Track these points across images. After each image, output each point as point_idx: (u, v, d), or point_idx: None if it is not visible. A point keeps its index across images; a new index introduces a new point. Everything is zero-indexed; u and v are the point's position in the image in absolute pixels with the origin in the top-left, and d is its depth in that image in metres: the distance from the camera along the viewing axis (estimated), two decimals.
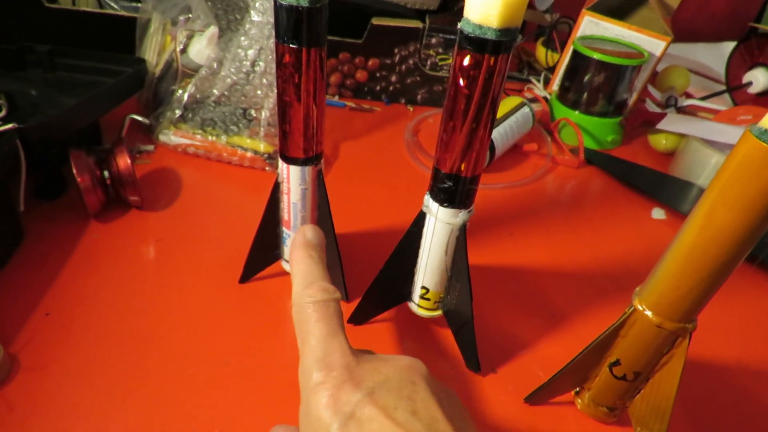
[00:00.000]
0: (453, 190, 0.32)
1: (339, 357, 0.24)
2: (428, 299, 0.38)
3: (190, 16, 0.58)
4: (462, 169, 0.31)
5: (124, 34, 0.63)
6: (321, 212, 0.39)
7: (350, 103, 0.74)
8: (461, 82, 0.28)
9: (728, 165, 0.23)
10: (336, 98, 0.75)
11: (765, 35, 0.81)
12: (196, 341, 0.38)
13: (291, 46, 0.30)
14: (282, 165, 0.36)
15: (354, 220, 0.51)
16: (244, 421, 0.33)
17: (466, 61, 0.27)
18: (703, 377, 0.40)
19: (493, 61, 0.27)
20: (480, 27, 0.26)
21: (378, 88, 0.75)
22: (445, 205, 0.32)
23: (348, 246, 0.48)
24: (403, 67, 0.73)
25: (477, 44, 0.26)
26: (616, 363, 0.31)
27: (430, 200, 0.33)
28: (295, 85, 0.32)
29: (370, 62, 0.73)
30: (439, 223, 0.33)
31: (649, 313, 0.28)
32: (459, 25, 0.27)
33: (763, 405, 0.38)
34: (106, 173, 0.47)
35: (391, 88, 0.75)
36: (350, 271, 0.43)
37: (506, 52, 0.27)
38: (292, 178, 0.36)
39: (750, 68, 0.84)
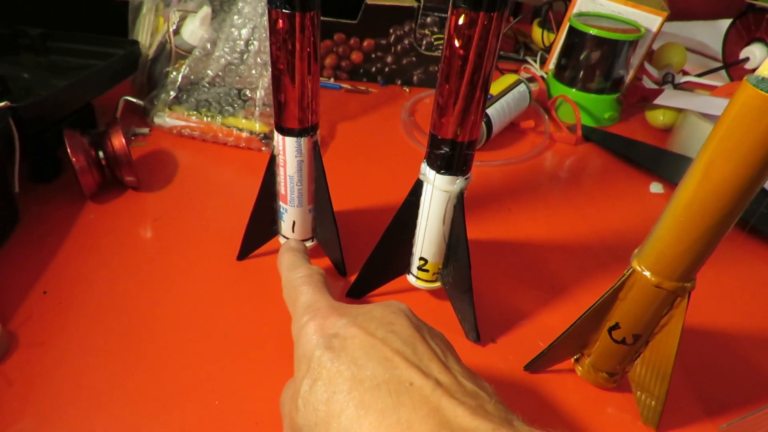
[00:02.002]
0: (450, 156, 0.31)
1: (324, 303, 0.27)
2: (427, 270, 0.38)
3: None
4: (459, 133, 0.31)
5: (117, 16, 0.63)
6: (318, 185, 0.38)
7: (346, 85, 0.73)
8: (456, 42, 0.28)
9: (726, 116, 0.23)
10: (331, 80, 0.74)
11: (762, 10, 0.81)
12: (194, 316, 0.38)
13: (284, 11, 0.30)
14: (278, 137, 0.36)
15: (352, 199, 0.51)
16: (244, 392, 0.33)
17: (461, 20, 0.27)
18: (700, 343, 0.40)
19: (488, 20, 0.26)
20: None
21: (373, 69, 0.75)
22: (442, 172, 0.32)
23: (346, 223, 0.48)
24: (399, 47, 0.73)
25: (471, 2, 0.26)
26: (616, 327, 0.31)
27: (427, 168, 0.33)
28: (288, 52, 0.31)
29: (365, 43, 0.72)
30: (436, 191, 0.33)
31: (647, 273, 0.28)
32: None
33: (760, 368, 0.38)
34: (101, 154, 0.46)
35: (386, 69, 0.75)
36: (348, 247, 0.43)
37: (501, 9, 0.26)
38: (288, 150, 0.36)
39: (747, 44, 0.83)
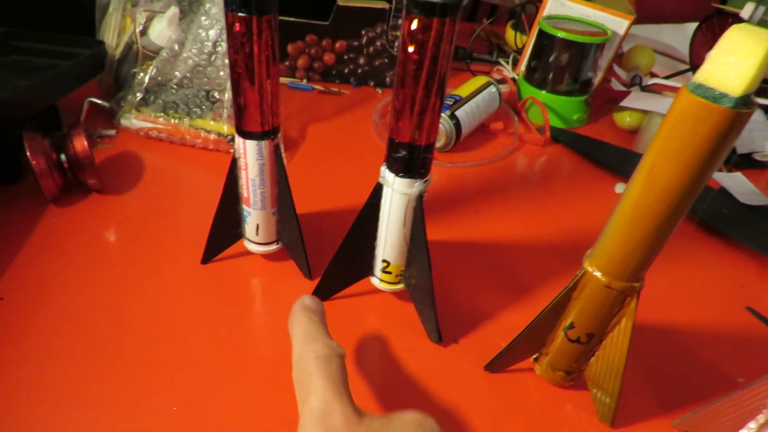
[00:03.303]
0: (408, 160, 0.32)
1: (341, 418, 0.23)
2: (389, 273, 0.38)
3: None
4: (416, 137, 0.31)
5: (84, 16, 0.62)
6: (281, 188, 0.38)
7: (318, 87, 0.73)
8: (410, 48, 0.28)
9: (667, 120, 0.24)
10: (304, 81, 0.74)
11: (726, 14, 0.83)
12: (156, 321, 0.37)
13: (240, 14, 0.30)
14: (238, 140, 0.36)
15: (322, 200, 0.51)
16: (203, 397, 0.33)
17: (414, 26, 0.27)
18: (655, 340, 0.41)
19: (440, 25, 0.27)
20: None
21: (346, 70, 0.75)
22: (401, 175, 0.32)
23: (316, 225, 0.48)
24: (371, 49, 0.73)
25: (424, 8, 0.26)
26: (571, 326, 0.32)
27: (386, 171, 0.33)
28: (246, 56, 0.31)
29: (338, 44, 0.72)
30: (396, 194, 0.33)
31: (598, 273, 0.29)
32: None
33: (712, 363, 0.39)
34: (63, 156, 0.46)
35: (359, 70, 0.75)
36: (318, 249, 0.43)
37: (453, 15, 0.27)
38: (249, 153, 0.36)
39: (712, 47, 0.85)
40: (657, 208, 0.25)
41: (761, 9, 0.91)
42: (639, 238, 0.26)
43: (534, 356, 0.36)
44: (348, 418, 0.23)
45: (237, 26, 0.30)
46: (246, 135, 0.35)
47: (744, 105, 0.21)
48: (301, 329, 0.28)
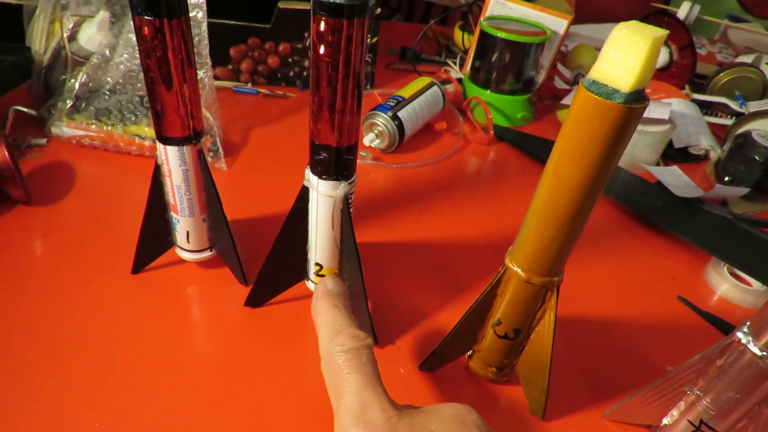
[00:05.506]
0: (329, 162, 0.31)
1: (379, 414, 0.23)
2: (323, 275, 0.38)
3: None
4: (335, 139, 0.31)
5: (12, 22, 0.59)
6: (208, 194, 0.38)
7: (263, 90, 0.72)
8: (321, 49, 0.28)
9: (568, 118, 0.24)
10: (249, 85, 0.73)
11: (661, 13, 0.86)
12: (81, 334, 0.36)
13: (147, 17, 0.29)
14: (160, 146, 0.35)
15: (261, 205, 0.51)
16: (127, 413, 0.32)
17: (322, 27, 0.27)
18: (588, 332, 0.42)
19: (350, 26, 0.27)
20: None
21: (291, 73, 0.74)
22: (324, 177, 0.32)
23: (255, 230, 0.47)
24: None
25: (330, 9, 0.26)
26: (498, 322, 0.32)
27: (310, 173, 0.33)
28: (159, 60, 0.31)
29: (281, 47, 0.71)
30: (321, 197, 0.33)
31: (518, 269, 0.29)
32: None
33: (642, 353, 0.41)
34: None
35: (305, 73, 0.74)
36: (257, 256, 0.42)
37: (361, 16, 0.26)
38: (171, 160, 0.35)
39: None
40: (564, 203, 0.25)
41: (697, 8, 0.95)
42: (552, 234, 0.27)
43: (468, 353, 0.37)
44: (386, 412, 0.23)
45: (145, 30, 0.29)
46: (166, 141, 0.34)
47: (636, 100, 0.22)
48: (325, 318, 0.28)
